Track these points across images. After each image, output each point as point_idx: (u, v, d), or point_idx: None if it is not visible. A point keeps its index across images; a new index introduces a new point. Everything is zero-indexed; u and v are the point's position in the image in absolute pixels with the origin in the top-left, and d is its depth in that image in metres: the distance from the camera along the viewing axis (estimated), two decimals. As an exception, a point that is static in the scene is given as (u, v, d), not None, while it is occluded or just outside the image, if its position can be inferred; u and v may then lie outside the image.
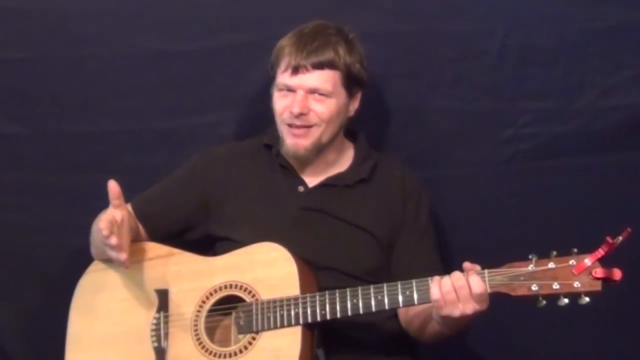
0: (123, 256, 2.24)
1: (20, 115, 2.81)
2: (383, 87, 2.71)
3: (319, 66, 2.36)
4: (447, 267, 2.29)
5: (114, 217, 2.26)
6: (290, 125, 2.38)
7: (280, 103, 2.40)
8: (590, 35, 2.64)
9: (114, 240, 2.21)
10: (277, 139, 2.48)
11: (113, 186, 2.29)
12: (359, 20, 2.66)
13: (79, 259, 2.54)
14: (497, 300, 2.11)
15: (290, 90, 2.38)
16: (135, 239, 2.40)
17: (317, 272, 2.32)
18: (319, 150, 2.42)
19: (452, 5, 2.68)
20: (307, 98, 2.36)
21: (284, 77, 2.38)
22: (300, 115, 2.36)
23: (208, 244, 2.48)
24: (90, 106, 2.80)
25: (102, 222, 2.22)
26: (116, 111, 2.80)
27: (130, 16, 2.76)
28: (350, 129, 2.53)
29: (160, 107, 2.79)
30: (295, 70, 2.36)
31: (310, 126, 2.38)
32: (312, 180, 2.45)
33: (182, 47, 2.75)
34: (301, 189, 2.44)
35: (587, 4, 2.63)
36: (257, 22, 2.66)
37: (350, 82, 2.42)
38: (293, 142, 2.39)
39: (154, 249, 2.40)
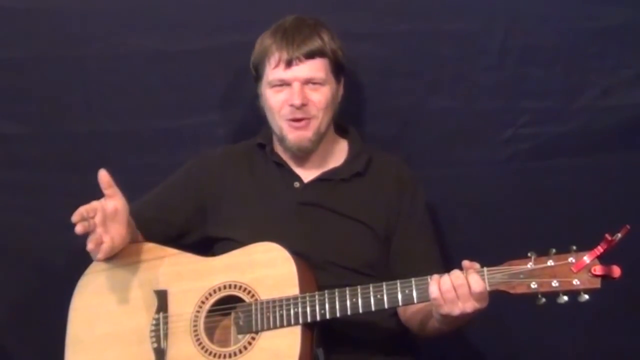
0: (97, 249, 2.25)
1: (20, 115, 2.81)
2: (383, 87, 2.72)
3: (311, 55, 2.38)
4: (446, 266, 2.28)
5: (103, 207, 2.24)
6: (290, 120, 2.39)
7: (277, 99, 2.41)
8: (590, 35, 2.64)
9: (79, 228, 2.19)
10: (269, 138, 2.50)
11: (103, 175, 2.26)
12: (360, 20, 2.68)
13: (79, 259, 2.53)
14: (496, 299, 2.11)
15: (285, 84, 2.39)
16: (134, 242, 2.40)
17: (316, 267, 2.31)
18: (320, 140, 2.43)
19: (452, 5, 2.68)
20: (303, 89, 2.38)
21: (277, 73, 2.39)
22: (302, 106, 2.37)
23: (207, 245, 2.48)
24: (90, 106, 2.80)
25: (80, 208, 2.20)
26: (116, 111, 2.80)
27: (130, 16, 2.76)
28: (341, 125, 2.53)
29: (160, 107, 2.79)
30: (289, 63, 2.37)
31: (310, 117, 2.39)
32: (307, 175, 2.46)
33: (182, 47, 2.75)
34: (297, 184, 2.45)
35: (587, 4, 2.63)
36: (257, 22, 2.66)
37: (337, 68, 2.44)
38: (296, 135, 2.40)
39: (152, 250, 2.40)
